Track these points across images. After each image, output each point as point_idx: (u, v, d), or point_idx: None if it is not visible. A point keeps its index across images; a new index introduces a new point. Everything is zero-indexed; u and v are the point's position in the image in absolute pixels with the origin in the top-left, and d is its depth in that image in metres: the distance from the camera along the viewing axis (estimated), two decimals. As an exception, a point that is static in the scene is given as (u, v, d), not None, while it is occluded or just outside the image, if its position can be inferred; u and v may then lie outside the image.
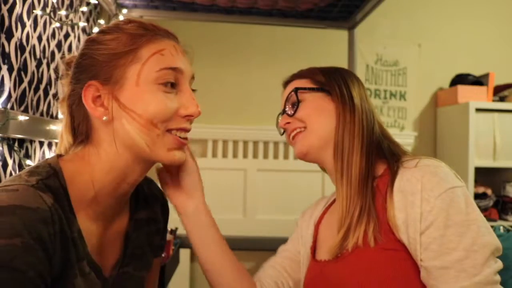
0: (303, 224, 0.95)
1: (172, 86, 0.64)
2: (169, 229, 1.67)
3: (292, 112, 0.85)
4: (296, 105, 0.85)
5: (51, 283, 0.54)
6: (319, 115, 0.83)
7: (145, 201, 0.79)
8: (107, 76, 0.62)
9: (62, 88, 0.71)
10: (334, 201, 0.91)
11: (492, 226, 0.70)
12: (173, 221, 1.05)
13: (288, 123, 0.86)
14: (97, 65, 0.63)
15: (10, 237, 0.49)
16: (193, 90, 0.70)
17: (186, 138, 0.67)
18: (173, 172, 0.79)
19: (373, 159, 0.80)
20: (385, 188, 0.74)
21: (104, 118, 0.62)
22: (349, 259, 0.73)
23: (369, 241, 0.71)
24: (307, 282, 0.84)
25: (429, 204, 0.67)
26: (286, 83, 0.92)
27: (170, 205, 0.87)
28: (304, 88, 0.85)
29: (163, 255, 1.47)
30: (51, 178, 0.59)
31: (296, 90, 0.85)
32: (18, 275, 0.48)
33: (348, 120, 0.81)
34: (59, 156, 0.65)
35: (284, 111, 0.88)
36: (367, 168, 0.78)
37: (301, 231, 0.94)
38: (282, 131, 0.90)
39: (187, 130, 0.66)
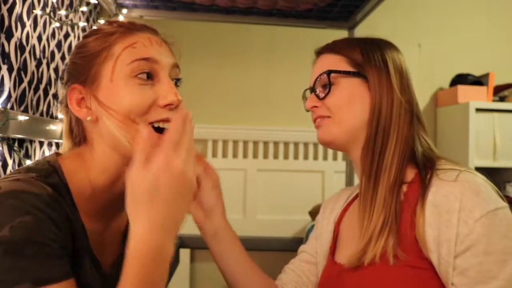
0: (324, 220, 0.89)
1: (148, 77, 0.63)
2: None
3: (323, 95, 0.77)
4: (327, 88, 0.76)
5: None
6: (351, 105, 0.75)
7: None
8: (86, 77, 0.63)
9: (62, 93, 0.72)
10: (357, 195, 0.82)
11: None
12: (173, 221, 1.04)
13: (316, 106, 0.78)
14: (78, 69, 0.64)
15: (20, 215, 0.50)
16: (177, 79, 0.68)
17: None
18: None
19: (406, 163, 0.72)
20: (415, 199, 0.67)
21: (88, 118, 0.63)
22: (369, 271, 0.68)
23: (388, 256, 0.65)
24: (323, 281, 0.81)
25: (468, 226, 0.60)
26: (318, 53, 0.84)
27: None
28: (339, 72, 0.76)
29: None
30: (51, 175, 0.59)
31: (329, 73, 0.76)
32: (40, 248, 0.49)
33: (384, 114, 0.72)
34: (57, 154, 0.66)
35: (313, 89, 0.80)
36: (397, 173, 0.70)
37: (321, 228, 0.88)
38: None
39: (170, 121, 0.63)
